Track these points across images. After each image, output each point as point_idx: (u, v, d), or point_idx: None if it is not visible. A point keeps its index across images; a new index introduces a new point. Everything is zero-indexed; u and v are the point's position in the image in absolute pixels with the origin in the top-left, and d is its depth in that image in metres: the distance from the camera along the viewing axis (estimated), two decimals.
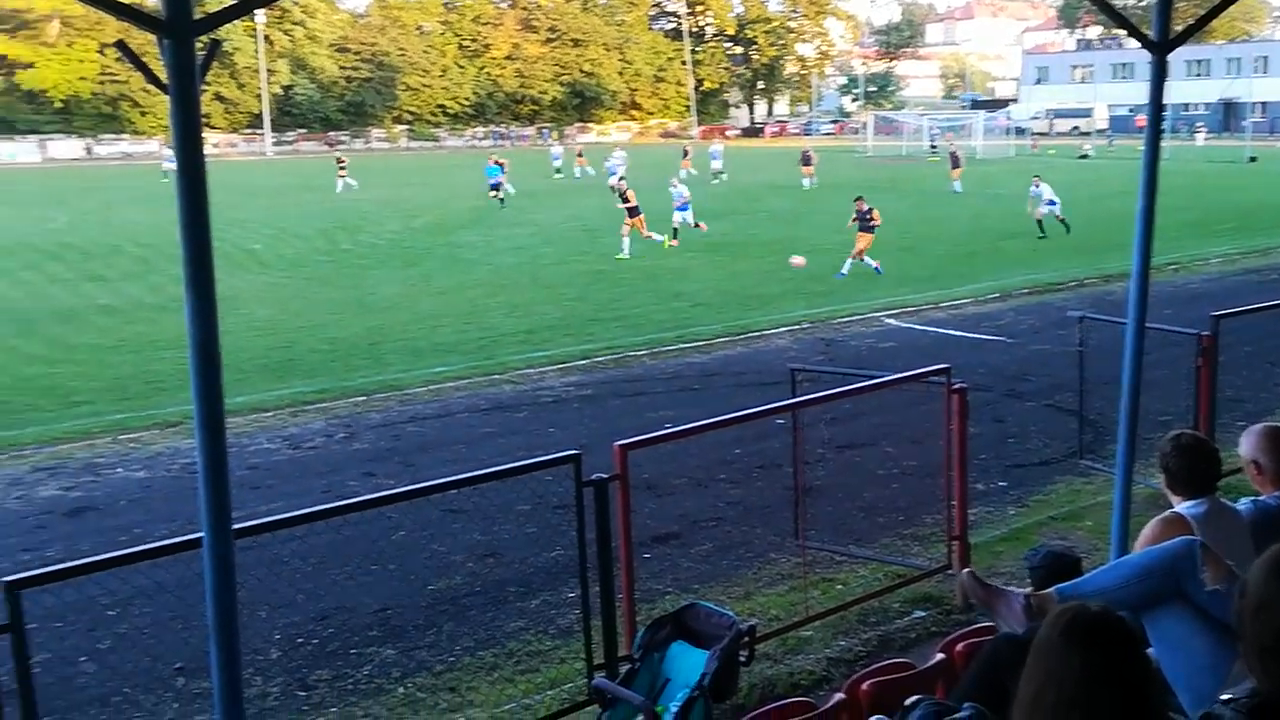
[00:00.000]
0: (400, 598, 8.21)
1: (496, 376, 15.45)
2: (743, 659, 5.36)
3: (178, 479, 11.05)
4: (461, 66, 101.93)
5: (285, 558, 8.34)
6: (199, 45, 3.73)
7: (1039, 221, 29.23)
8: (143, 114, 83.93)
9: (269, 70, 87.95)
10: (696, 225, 29.23)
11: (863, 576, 8.15)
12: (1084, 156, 64.32)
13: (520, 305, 20.90)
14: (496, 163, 42.71)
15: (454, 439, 12.54)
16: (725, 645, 5.24)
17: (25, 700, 4.72)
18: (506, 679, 6.90)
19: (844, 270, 22.96)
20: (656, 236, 27.81)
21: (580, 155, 60.27)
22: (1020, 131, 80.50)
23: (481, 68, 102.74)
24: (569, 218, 34.94)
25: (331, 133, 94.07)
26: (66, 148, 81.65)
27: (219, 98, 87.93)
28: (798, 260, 23.41)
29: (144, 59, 3.73)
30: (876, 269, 23.07)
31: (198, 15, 3.67)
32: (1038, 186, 29.97)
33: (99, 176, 59.91)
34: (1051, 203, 29.42)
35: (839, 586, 7.97)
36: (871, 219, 23.24)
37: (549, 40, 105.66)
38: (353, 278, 24.84)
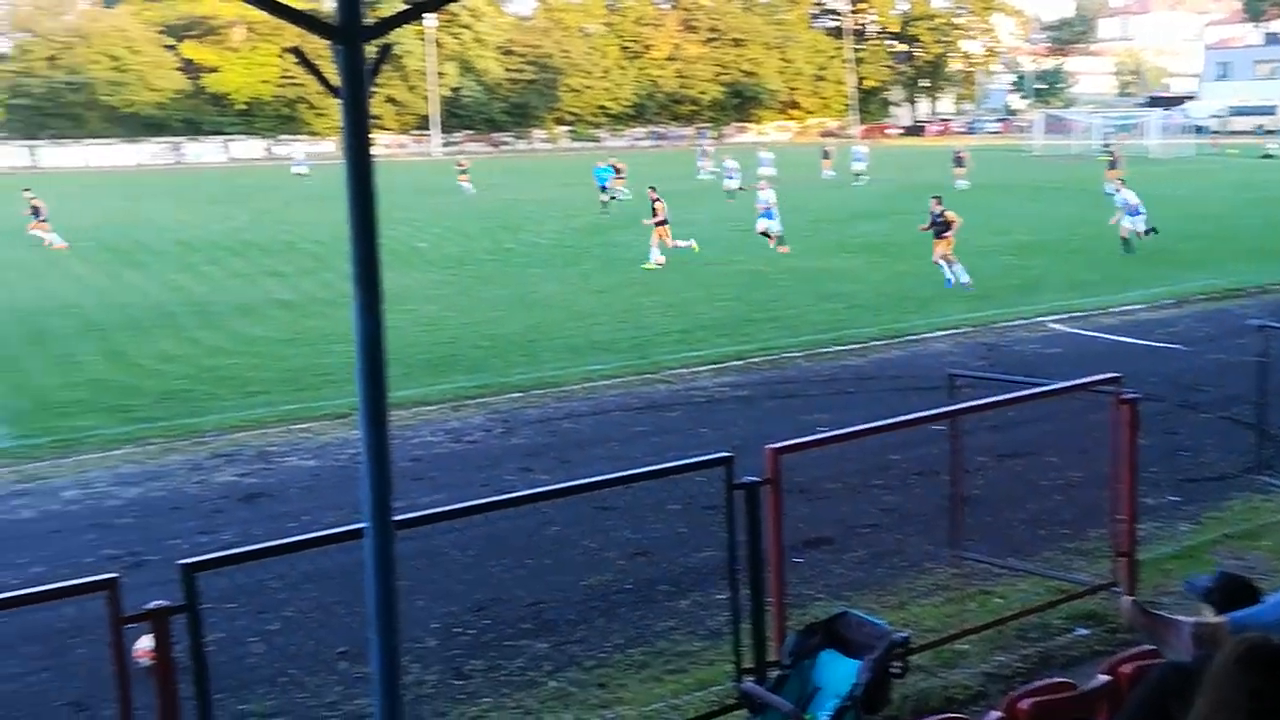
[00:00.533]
0: (553, 592, 8.33)
1: (650, 376, 15.53)
2: (896, 670, 5.25)
3: (345, 468, 11.45)
4: (622, 68, 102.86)
5: (444, 548, 8.57)
6: (369, 50, 3.85)
7: (1124, 240, 25.53)
8: (318, 116, 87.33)
9: (438, 73, 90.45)
10: (764, 234, 27.63)
11: (1022, 590, 7.89)
12: (1268, 156, 60.83)
13: (675, 305, 20.97)
14: (612, 165, 42.41)
15: (608, 436, 12.66)
16: (878, 655, 5.14)
17: (199, 677, 4.96)
18: (655, 678, 6.93)
19: (950, 278, 21.45)
20: (682, 244, 26.70)
21: (707, 155, 59.46)
22: (1199, 130, 76.74)
23: (642, 68, 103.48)
24: (721, 219, 34.92)
25: (495, 134, 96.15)
26: (248, 148, 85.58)
27: (390, 100, 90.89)
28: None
29: (318, 64, 3.87)
30: (947, 281, 21.47)
31: (369, 21, 3.79)
32: (1119, 190, 26.21)
33: (277, 176, 62.61)
34: (1136, 212, 25.52)
35: (997, 600, 7.74)
36: (945, 221, 21.76)
37: (709, 40, 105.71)
38: (514, 276, 25.34)
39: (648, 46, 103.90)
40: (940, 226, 21.82)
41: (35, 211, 32.64)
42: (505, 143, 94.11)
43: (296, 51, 4.11)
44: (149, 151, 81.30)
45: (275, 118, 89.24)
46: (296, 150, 68.66)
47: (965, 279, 21.34)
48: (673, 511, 9.32)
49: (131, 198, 49.46)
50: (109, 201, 46.97)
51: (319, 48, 3.79)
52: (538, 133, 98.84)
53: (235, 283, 24.94)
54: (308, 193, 48.84)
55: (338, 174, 3.74)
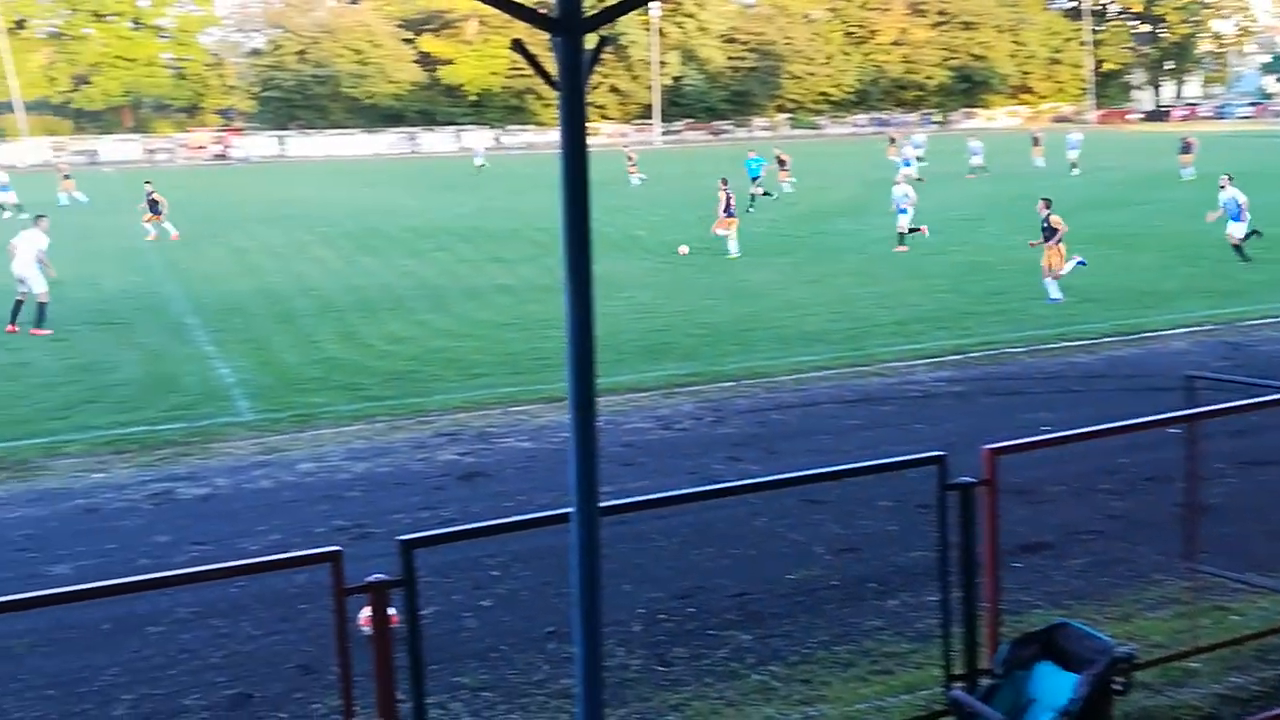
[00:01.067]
0: (759, 584, 8.27)
1: (864, 368, 15.25)
2: (1118, 687, 4.97)
3: (560, 451, 11.70)
4: (846, 53, 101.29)
5: (651, 535, 8.65)
6: (589, 41, 3.88)
7: (1236, 246, 22.58)
8: (545, 106, 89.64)
9: (660, 62, 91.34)
10: (915, 230, 26.63)
11: (1263, 608, 7.35)
12: None
13: (891, 295, 20.51)
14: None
15: (818, 429, 12.50)
16: (1099, 670, 4.87)
17: (414, 648, 5.14)
18: (860, 678, 6.79)
19: (1051, 296, 19.41)
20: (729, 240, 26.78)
21: (892, 143, 56.80)
22: None
23: (867, 54, 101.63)
24: (945, 206, 33.90)
25: (716, 122, 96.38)
26: (478, 138, 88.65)
27: (614, 89, 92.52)
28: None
29: (541, 56, 3.93)
30: (1051, 297, 19.37)
31: (588, 13, 3.82)
32: (1224, 188, 23.02)
33: (504, 164, 64.62)
34: (1237, 215, 22.46)
35: (1234, 617, 7.24)
36: (1050, 227, 19.66)
37: (938, 24, 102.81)
38: (728, 264, 25.34)
39: (873, 31, 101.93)
40: (1047, 233, 19.80)
41: (153, 205, 33.17)
42: (725, 131, 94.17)
43: (518, 43, 4.18)
44: (386, 141, 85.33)
45: (504, 108, 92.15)
46: (521, 140, 70.58)
47: (1056, 295, 19.45)
48: (883, 509, 9.12)
49: (368, 185, 52.03)
50: (348, 189, 49.54)
51: (544, 39, 3.86)
52: (758, 120, 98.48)
53: (462, 268, 25.88)
54: (540, 180, 50.22)
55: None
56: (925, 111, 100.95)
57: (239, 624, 7.73)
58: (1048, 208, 20.08)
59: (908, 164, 43.52)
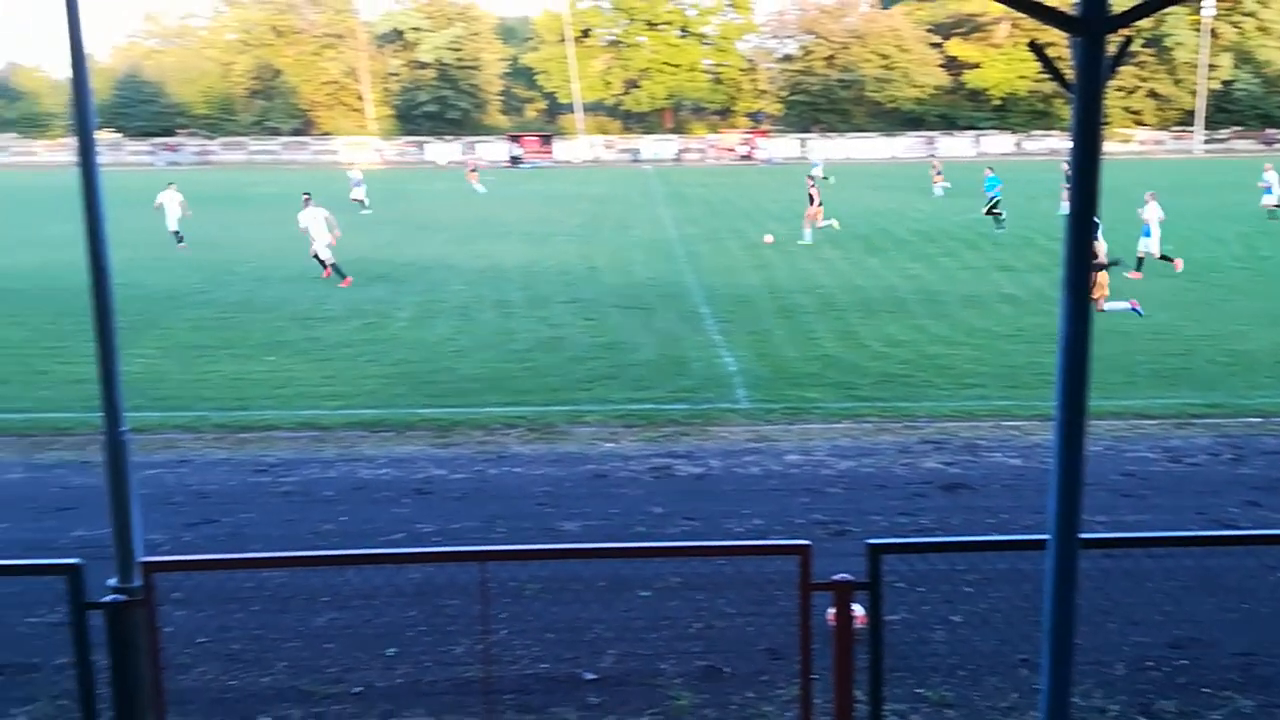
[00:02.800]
0: (1268, 646, 7.40)
1: None
2: None
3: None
4: None
5: (1146, 574, 7.99)
6: (1111, 43, 3.67)
7: None
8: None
9: (1210, 65, 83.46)
10: (1163, 258, 24.53)
11: None
12: None
13: None
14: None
15: None
16: None
17: (874, 653, 5.15)
18: None
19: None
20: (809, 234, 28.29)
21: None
22: None
23: None
24: None
25: (1270, 130, 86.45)
26: (997, 142, 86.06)
27: (1152, 94, 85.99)
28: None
29: (1063, 58, 3.78)
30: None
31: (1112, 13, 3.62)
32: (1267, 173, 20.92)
33: (1025, 170, 62.26)
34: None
35: None
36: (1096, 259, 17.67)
37: None
38: (1268, 287, 22.71)
39: None
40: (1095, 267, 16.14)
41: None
42: (1278, 140, 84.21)
43: (1034, 45, 4.05)
44: (903, 145, 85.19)
45: (1028, 113, 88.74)
46: (1044, 145, 67.32)
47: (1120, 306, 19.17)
48: None
49: (880, 189, 52.29)
50: (860, 191, 50.08)
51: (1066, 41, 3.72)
52: None
53: (965, 275, 25.30)
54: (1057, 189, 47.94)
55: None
56: None
57: (717, 600, 8.14)
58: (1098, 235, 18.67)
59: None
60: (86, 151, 4.63)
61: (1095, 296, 18.63)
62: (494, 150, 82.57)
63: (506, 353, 17.64)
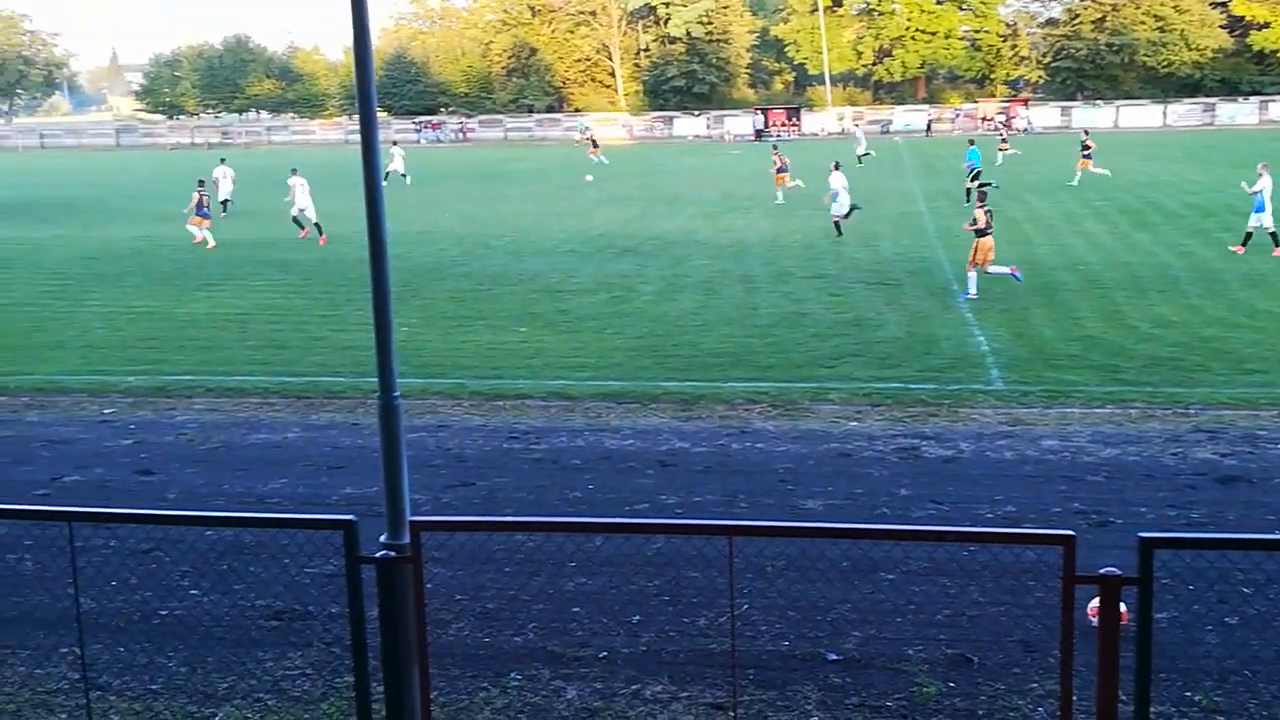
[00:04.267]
0: None
1: None
2: None
3: None
4: None
5: None
6: None
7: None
8: None
9: None
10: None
11: None
12: None
13: None
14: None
15: None
16: None
17: (1142, 651, 4.85)
18: None
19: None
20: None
21: None
22: None
23: None
24: None
25: None
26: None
27: None
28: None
29: None
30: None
31: None
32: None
33: None
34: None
35: None
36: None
37: None
38: None
39: None
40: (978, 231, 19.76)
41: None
42: None
43: None
44: (1177, 112, 79.80)
45: None
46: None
47: (971, 291, 19.47)
48: None
49: (1152, 159, 49.18)
50: (1129, 161, 47.25)
51: None
52: None
53: (1248, 252, 23.47)
54: None
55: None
56: None
57: (966, 588, 7.88)
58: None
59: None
60: (368, 129, 4.87)
61: (979, 261, 19.65)
62: (740, 124, 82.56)
63: (749, 328, 17.62)
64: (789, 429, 12.32)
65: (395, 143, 51.65)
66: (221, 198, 34.14)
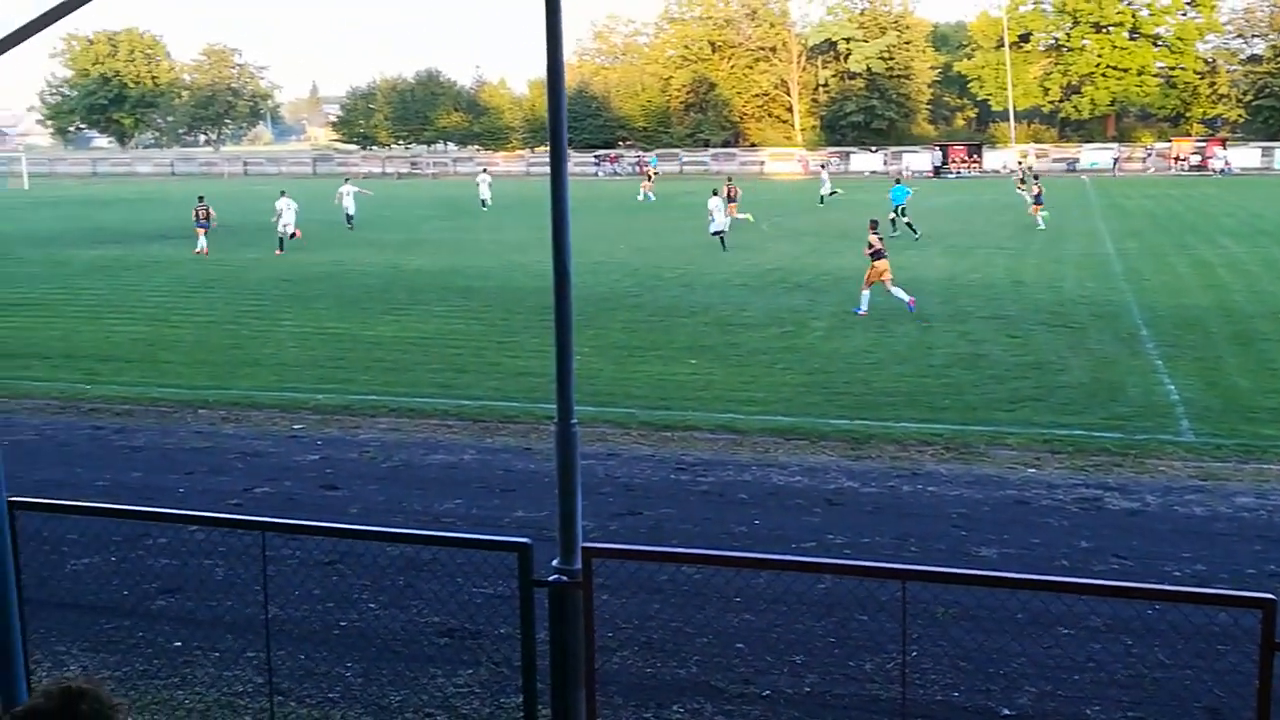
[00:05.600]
0: None
1: None
2: None
3: None
4: None
5: None
6: None
7: None
8: None
9: None
10: None
11: None
12: None
13: None
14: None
15: None
16: None
17: None
18: None
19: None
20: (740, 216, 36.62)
21: None
22: None
23: None
24: None
25: None
26: None
27: None
28: None
29: None
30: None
31: None
32: None
33: None
34: None
35: None
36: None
37: None
38: None
39: None
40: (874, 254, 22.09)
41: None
42: None
43: None
44: None
45: None
46: None
47: (863, 308, 21.76)
48: None
49: None
50: None
51: None
52: None
53: None
54: None
55: None
56: None
57: (1151, 648, 7.53)
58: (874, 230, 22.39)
59: None
60: (558, 162, 5.00)
61: (873, 280, 21.86)
62: (918, 160, 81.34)
63: (923, 367, 17.28)
64: (963, 473, 12.01)
65: (485, 169, 58.97)
66: (286, 227, 36.24)
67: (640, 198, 56.68)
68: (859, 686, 7.23)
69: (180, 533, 9.63)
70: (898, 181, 41.57)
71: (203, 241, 34.94)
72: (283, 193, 37.29)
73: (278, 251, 34.44)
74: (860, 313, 21.66)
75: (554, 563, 5.18)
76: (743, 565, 6.42)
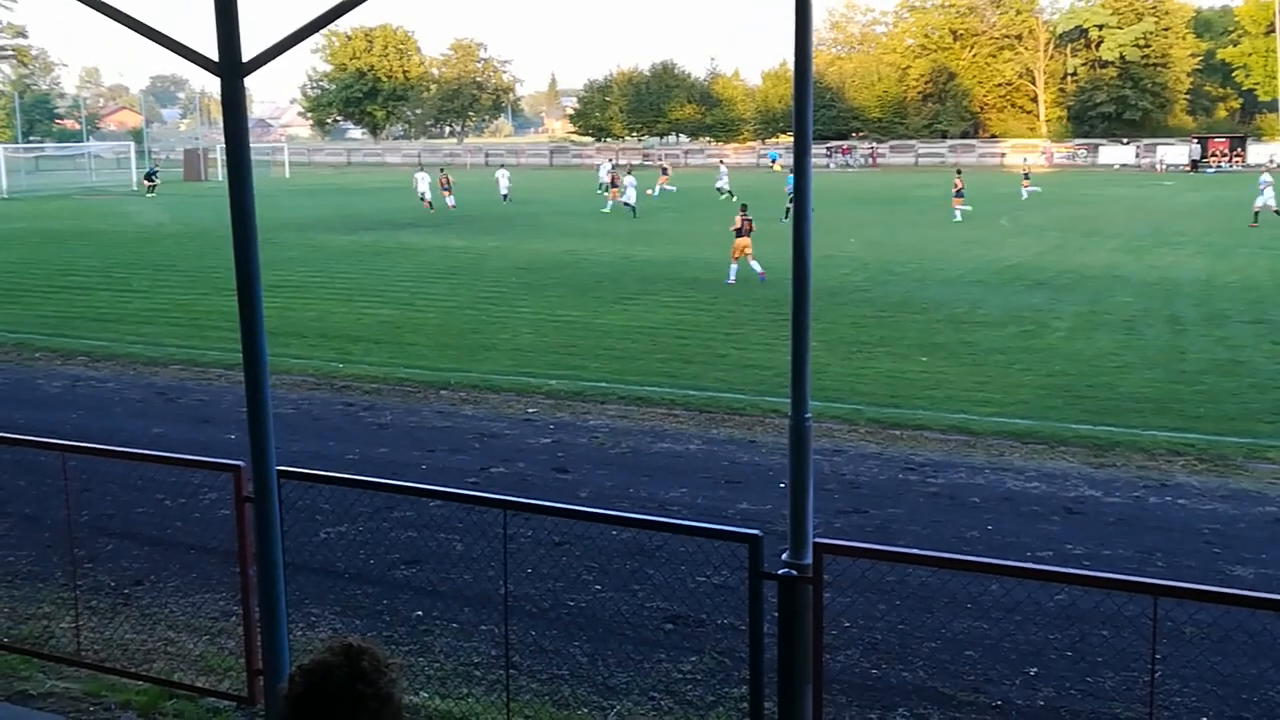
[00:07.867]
0: None
1: None
2: None
3: None
4: None
5: None
6: None
7: None
8: None
9: None
10: None
11: None
12: None
13: None
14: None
15: None
16: None
17: None
18: None
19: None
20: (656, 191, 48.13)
21: None
22: None
23: None
24: None
25: None
26: None
27: None
28: None
29: None
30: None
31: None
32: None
33: None
34: None
35: None
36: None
37: None
38: None
39: None
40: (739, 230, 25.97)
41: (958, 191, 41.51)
42: None
43: None
44: None
45: None
46: None
47: (731, 279, 25.54)
48: None
49: None
50: None
51: None
52: None
53: None
54: None
55: None
56: None
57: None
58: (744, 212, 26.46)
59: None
60: (802, 156, 4.99)
61: (737, 255, 25.76)
62: (1174, 153, 76.74)
63: (1175, 373, 16.29)
64: (1217, 486, 11.27)
65: (503, 165, 65.35)
66: (424, 194, 48.30)
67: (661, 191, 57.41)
68: (1099, 704, 6.90)
69: (423, 508, 10.10)
70: (791, 173, 43.68)
71: (450, 199, 47.37)
72: (421, 167, 49.67)
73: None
74: (729, 283, 25.37)
75: (783, 556, 5.16)
76: (981, 570, 6.23)
